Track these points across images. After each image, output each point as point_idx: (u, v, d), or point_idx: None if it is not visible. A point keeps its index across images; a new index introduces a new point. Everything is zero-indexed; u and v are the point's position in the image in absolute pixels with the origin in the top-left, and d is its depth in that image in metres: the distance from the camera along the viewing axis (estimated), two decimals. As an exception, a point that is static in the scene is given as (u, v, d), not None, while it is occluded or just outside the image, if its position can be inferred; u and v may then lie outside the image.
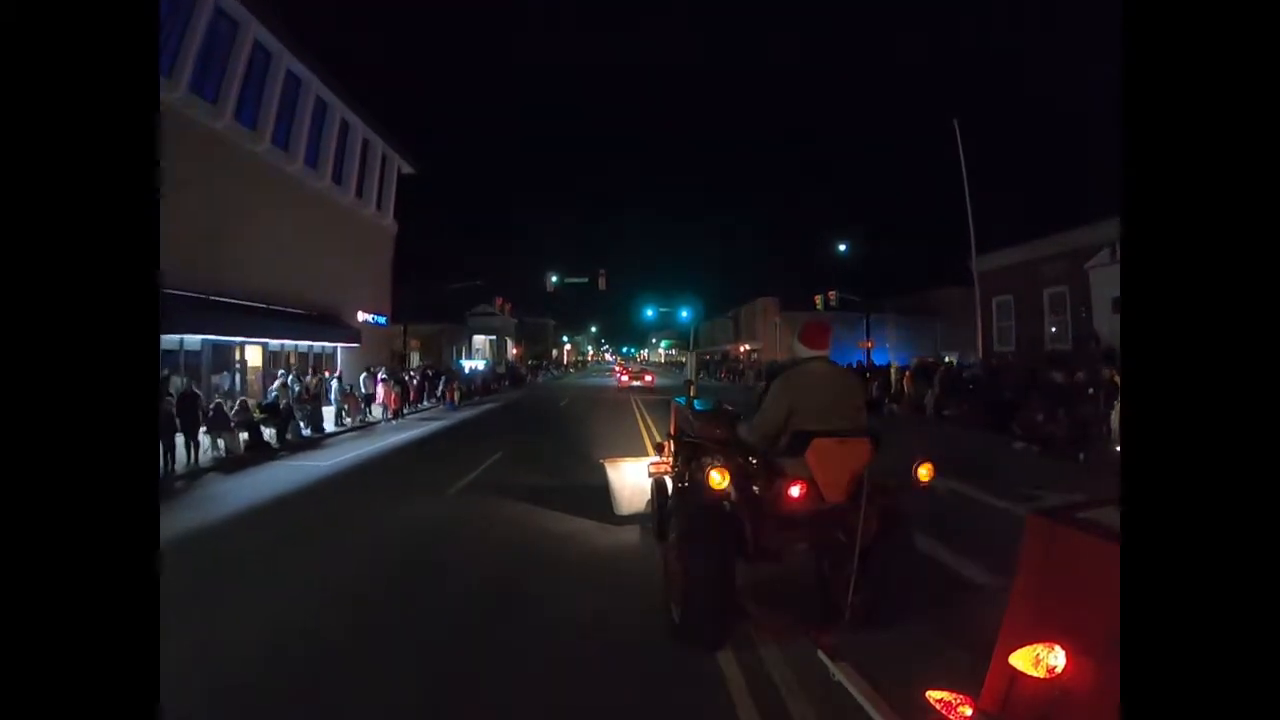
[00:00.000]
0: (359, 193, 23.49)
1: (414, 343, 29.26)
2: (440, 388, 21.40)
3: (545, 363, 55.40)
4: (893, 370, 20.41)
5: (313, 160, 20.46)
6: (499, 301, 34.28)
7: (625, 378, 34.15)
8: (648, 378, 33.26)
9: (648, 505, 5.88)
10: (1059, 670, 1.55)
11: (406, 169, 27.80)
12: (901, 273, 38.79)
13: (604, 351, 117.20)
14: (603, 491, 6.45)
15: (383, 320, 24.48)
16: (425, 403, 20.65)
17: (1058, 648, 1.55)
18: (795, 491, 3.25)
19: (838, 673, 2.65)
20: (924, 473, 3.33)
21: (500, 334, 54.28)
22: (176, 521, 6.37)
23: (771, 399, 3.53)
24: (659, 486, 5.42)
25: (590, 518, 6.33)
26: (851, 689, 2.49)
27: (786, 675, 3.15)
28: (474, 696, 3.07)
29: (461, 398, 22.18)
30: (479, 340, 54.34)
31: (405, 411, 18.43)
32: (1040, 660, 1.57)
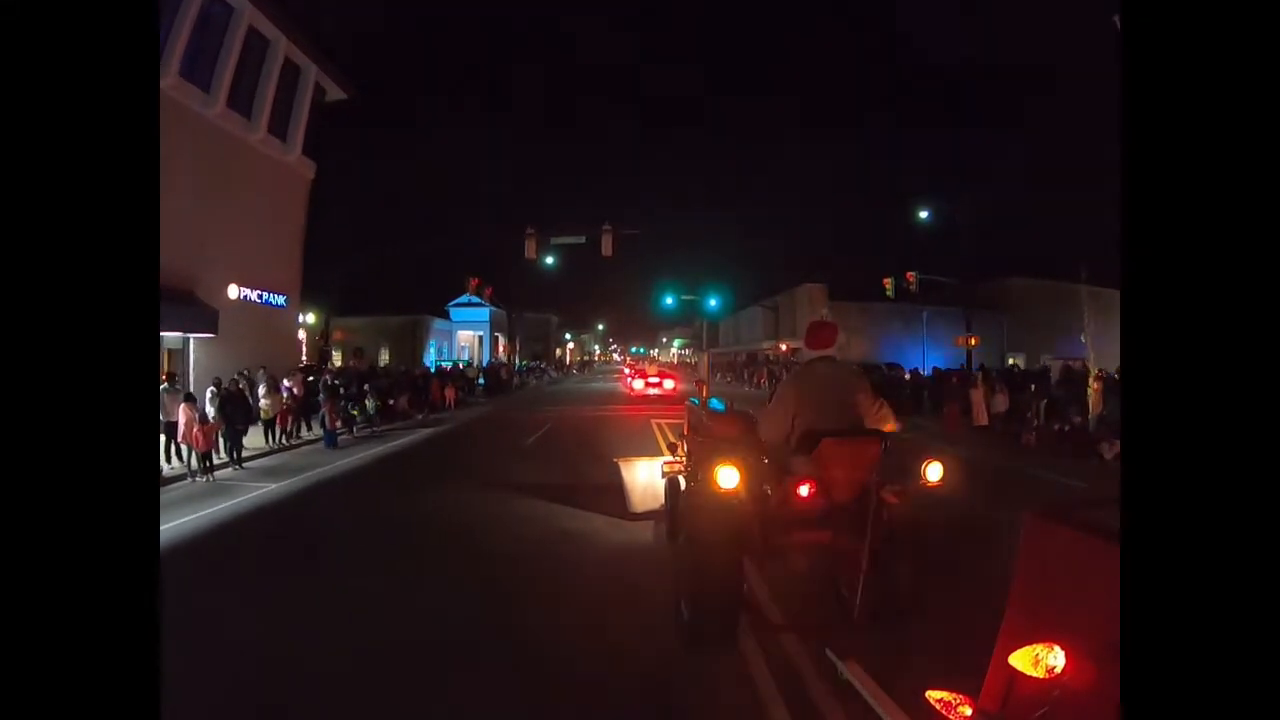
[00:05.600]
0: (242, 109, 15.60)
1: (339, 334, 21.22)
2: (353, 406, 13.17)
3: (542, 363, 47.29)
4: (1092, 380, 12.07)
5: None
6: (474, 282, 26.11)
7: (639, 383, 25.14)
8: (667, 383, 24.43)
9: (661, 505, 5.83)
10: (1058, 670, 1.51)
11: (336, 94, 19.96)
12: (953, 261, 30.75)
13: (612, 351, 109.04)
14: None
15: (280, 301, 16.53)
16: (338, 426, 12.55)
17: (1057, 648, 1.52)
18: (804, 491, 3.24)
19: (846, 672, 2.64)
20: (933, 472, 3.30)
21: (493, 328, 46.54)
22: None
23: (777, 400, 3.56)
24: (672, 486, 5.32)
25: None
26: (860, 688, 2.44)
27: (802, 674, 3.16)
28: (480, 695, 3.06)
29: (375, 418, 14.03)
30: (464, 336, 46.72)
31: (242, 454, 10.33)
32: (1040, 660, 1.53)
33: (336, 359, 26.59)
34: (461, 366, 27.01)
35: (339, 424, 12.44)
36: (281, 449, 11.27)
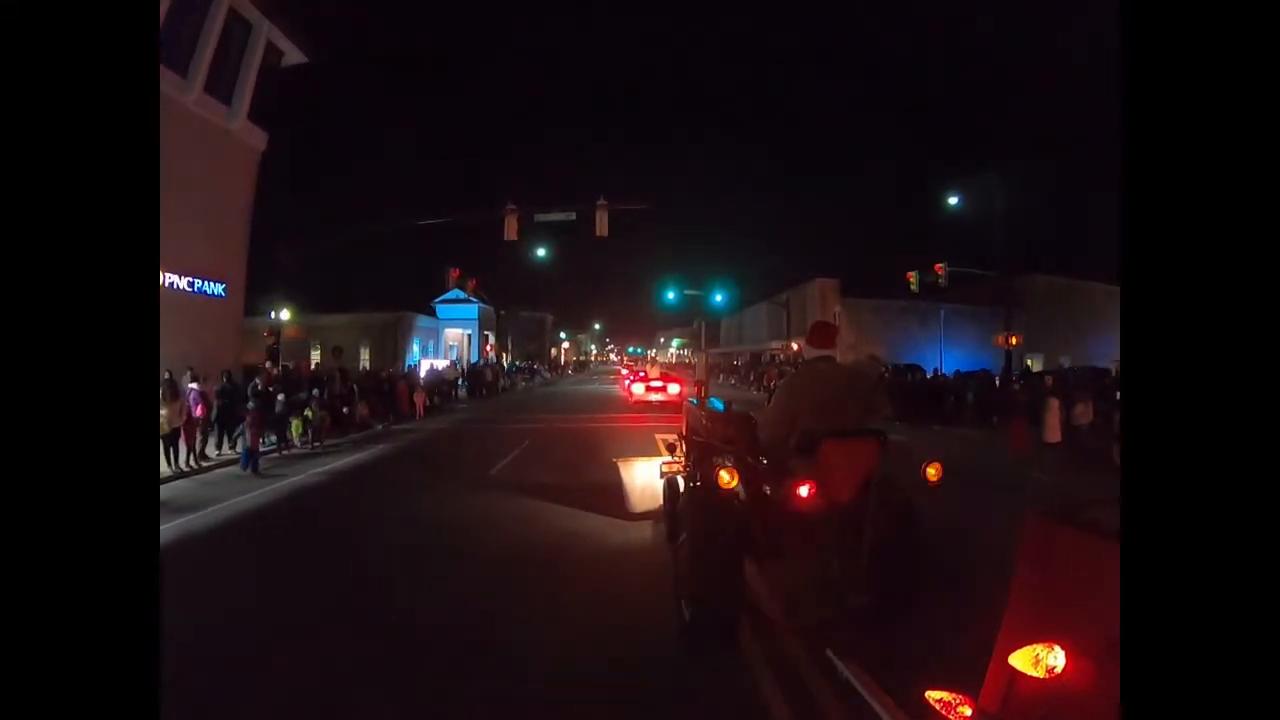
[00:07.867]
0: (176, 64, 13.21)
1: (292, 330, 18.85)
2: (274, 420, 10.72)
3: (534, 364, 44.95)
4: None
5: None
6: (455, 274, 23.73)
7: (639, 388, 21.78)
8: (672, 388, 21.58)
9: (660, 506, 5.74)
10: (1059, 670, 1.48)
11: (295, 56, 17.57)
12: (963, 257, 28.31)
13: (609, 351, 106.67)
14: None
15: (217, 290, 14.13)
16: (234, 446, 10.15)
17: (1057, 648, 1.49)
18: (804, 491, 3.23)
19: (846, 672, 2.59)
20: (933, 472, 3.32)
21: (483, 326, 44.19)
22: None
23: (777, 400, 3.60)
24: (670, 486, 5.28)
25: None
26: (860, 688, 2.37)
27: (802, 674, 3.15)
28: (487, 693, 3.04)
29: (318, 430, 11.59)
30: (452, 334, 44.32)
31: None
32: (1040, 660, 1.50)
33: (315, 358, 24.46)
34: (438, 367, 24.49)
35: (271, 438, 10.05)
36: (189, 472, 8.88)
